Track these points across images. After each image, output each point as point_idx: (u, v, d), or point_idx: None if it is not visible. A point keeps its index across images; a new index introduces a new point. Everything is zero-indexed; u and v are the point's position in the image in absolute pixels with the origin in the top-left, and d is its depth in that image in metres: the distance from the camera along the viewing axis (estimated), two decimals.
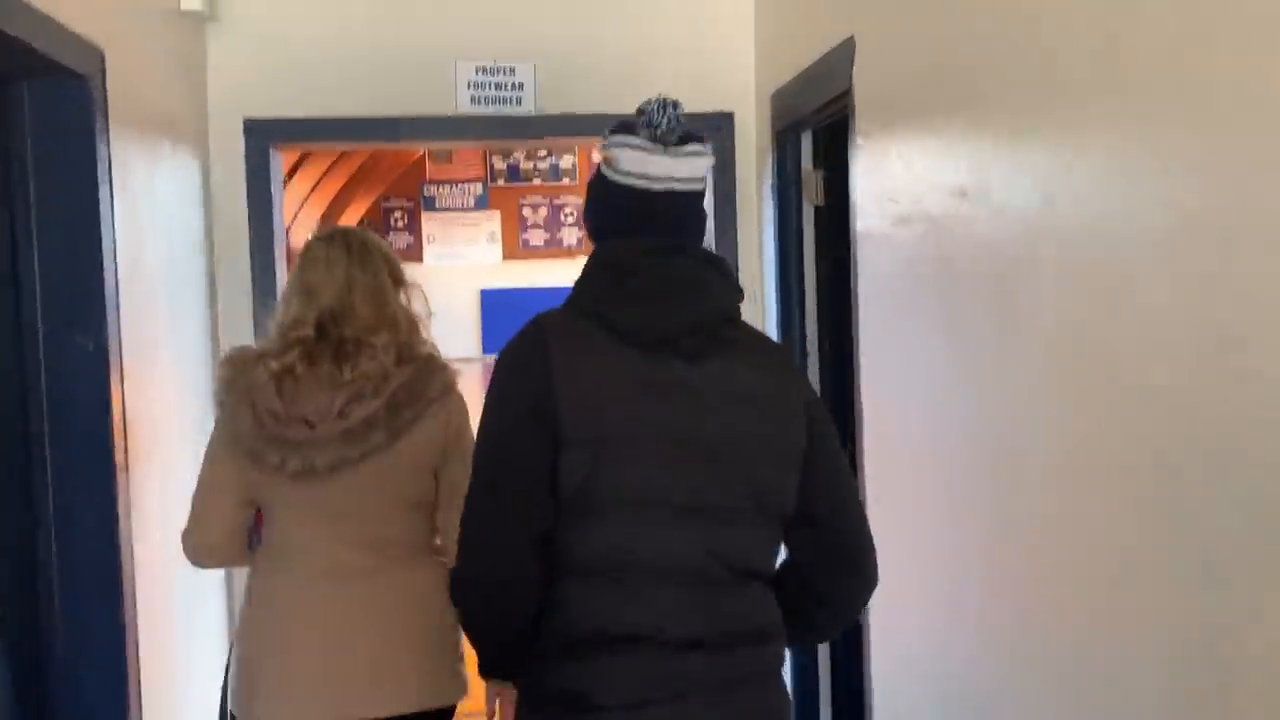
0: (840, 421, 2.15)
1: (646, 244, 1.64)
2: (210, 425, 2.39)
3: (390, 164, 28.52)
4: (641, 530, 1.57)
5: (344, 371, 2.20)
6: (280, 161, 4.18)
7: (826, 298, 3.65)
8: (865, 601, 1.78)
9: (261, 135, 3.93)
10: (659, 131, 1.63)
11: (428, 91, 3.98)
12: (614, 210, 1.68)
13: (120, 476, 2.63)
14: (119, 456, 2.62)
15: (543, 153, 33.31)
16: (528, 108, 3.98)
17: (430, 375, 2.27)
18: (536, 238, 35.80)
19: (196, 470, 2.34)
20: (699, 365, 1.61)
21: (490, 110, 4.00)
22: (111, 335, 2.64)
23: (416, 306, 2.41)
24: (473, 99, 3.97)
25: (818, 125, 3.54)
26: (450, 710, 2.31)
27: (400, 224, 33.84)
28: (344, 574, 2.21)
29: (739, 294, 1.70)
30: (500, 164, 33.78)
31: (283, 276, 3.94)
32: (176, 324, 3.41)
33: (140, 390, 2.86)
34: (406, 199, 33.93)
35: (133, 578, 2.68)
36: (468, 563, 1.62)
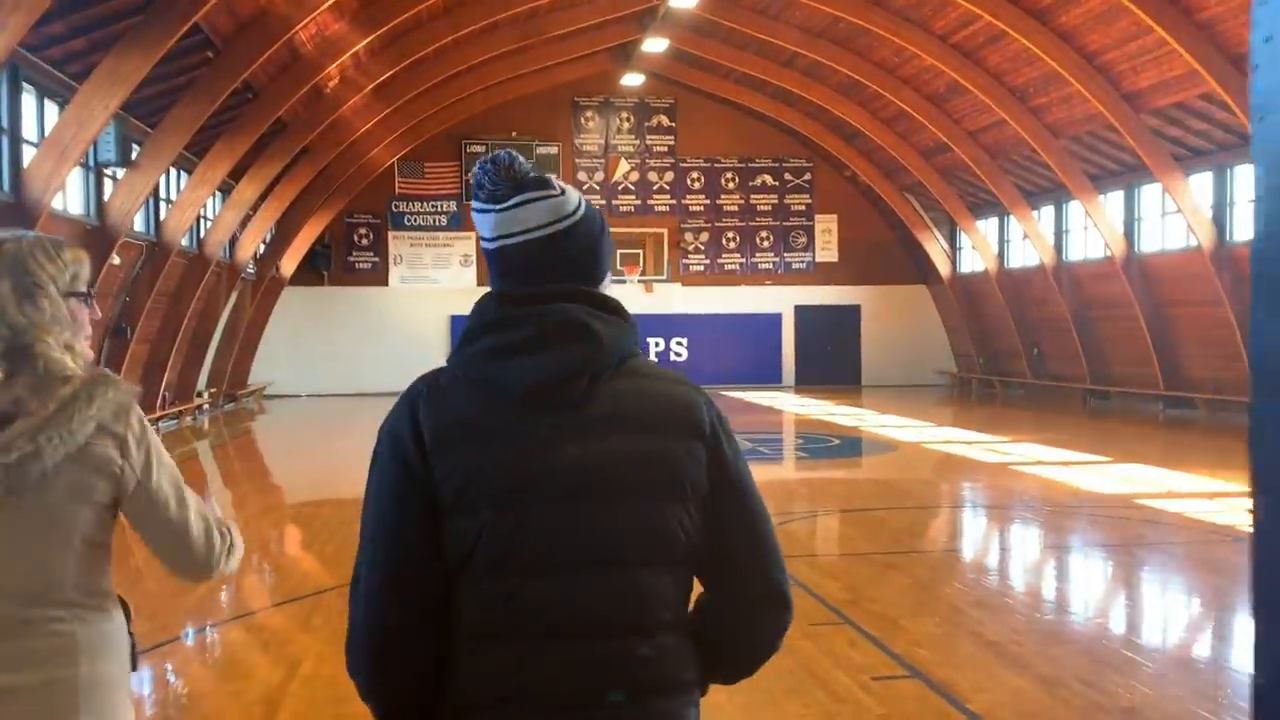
0: None
1: (518, 294, 1.63)
2: None
3: (356, 173, 26.99)
4: (533, 586, 1.53)
5: None
6: None
7: None
8: (783, 634, 1.69)
9: None
10: (492, 191, 1.65)
11: None
12: (494, 269, 1.70)
13: None
14: None
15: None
16: None
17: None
18: None
19: None
20: (576, 410, 1.58)
21: None
22: None
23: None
24: None
25: None
26: None
27: (364, 241, 32.61)
28: None
29: (624, 332, 1.64)
30: None
31: None
32: None
33: None
34: (373, 215, 32.66)
35: None
36: (358, 624, 1.60)
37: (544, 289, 1.62)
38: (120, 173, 14.30)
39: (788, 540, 8.95)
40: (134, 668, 2.08)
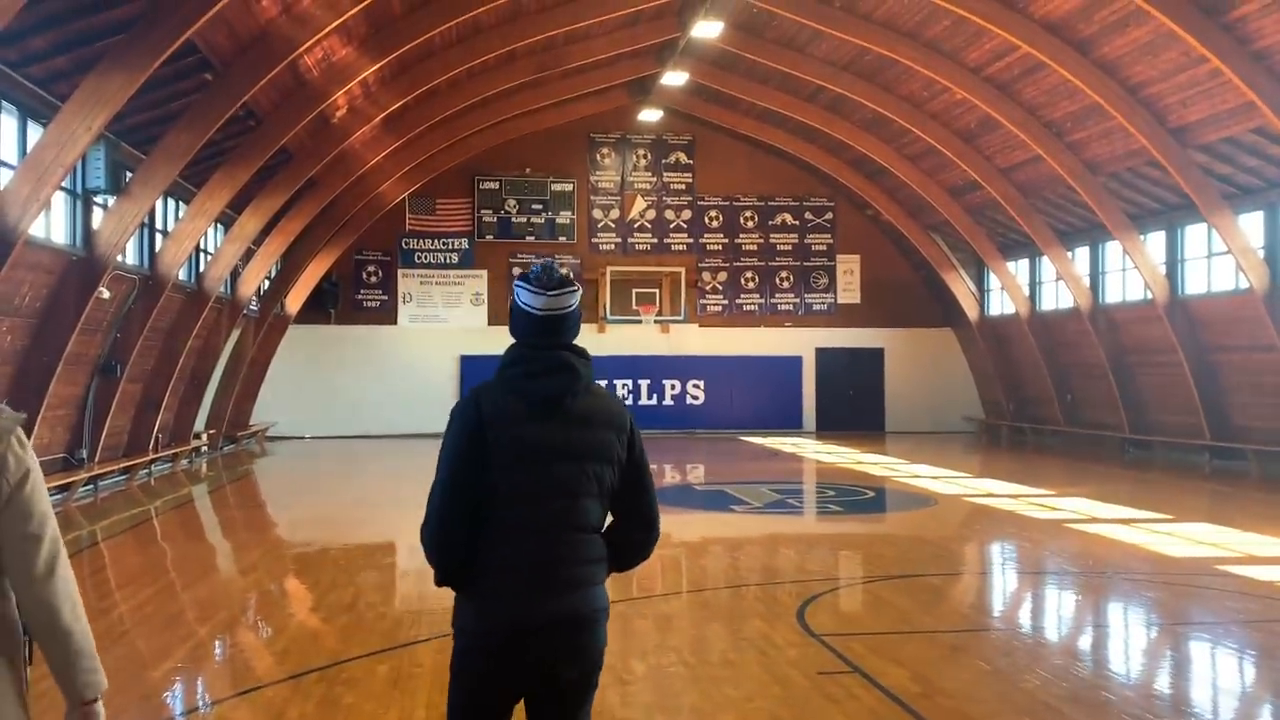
0: None
1: (540, 342, 2.92)
2: None
3: (365, 208, 25.96)
4: (521, 508, 2.83)
5: None
6: None
7: None
8: (653, 547, 3.05)
9: None
10: (541, 283, 2.92)
11: None
12: (520, 325, 2.96)
13: None
14: None
15: (537, 206, 31.19)
16: None
17: None
18: None
19: None
20: (564, 411, 2.87)
21: None
22: None
23: None
24: None
25: None
26: None
27: (374, 279, 31.63)
28: None
29: (589, 370, 2.94)
30: (490, 216, 31.61)
31: None
32: None
33: None
34: (383, 252, 31.67)
35: None
36: (429, 522, 2.85)
37: (549, 342, 2.91)
38: (110, 201, 13.48)
39: (838, 614, 7.91)
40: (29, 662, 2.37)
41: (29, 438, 2.38)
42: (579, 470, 2.84)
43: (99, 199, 13.73)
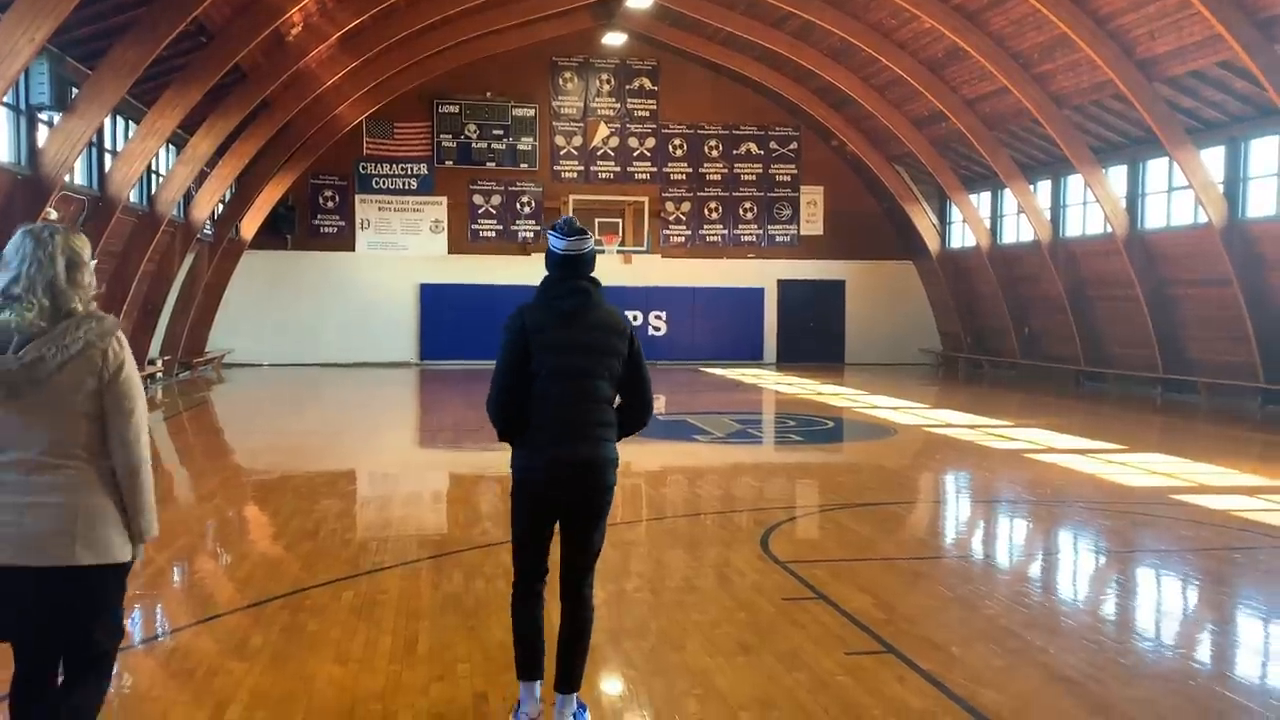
0: None
1: (564, 274, 4.15)
2: None
3: (321, 131, 25.26)
4: (556, 384, 4.05)
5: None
6: None
7: None
8: (647, 418, 4.33)
9: None
10: (563, 231, 4.17)
11: None
12: (551, 261, 4.19)
13: None
14: None
15: (498, 131, 30.58)
16: None
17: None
18: (488, 229, 33.37)
19: None
20: (581, 320, 4.10)
21: None
22: None
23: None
24: None
25: None
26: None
27: (330, 204, 30.96)
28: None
29: (600, 292, 4.17)
30: (450, 141, 31.03)
31: None
32: None
33: None
34: (339, 177, 30.97)
35: None
36: (492, 397, 4.13)
37: (570, 273, 4.14)
38: (56, 118, 13.00)
39: (800, 542, 7.97)
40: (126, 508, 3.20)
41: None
42: (592, 360, 4.09)
43: (44, 115, 13.24)
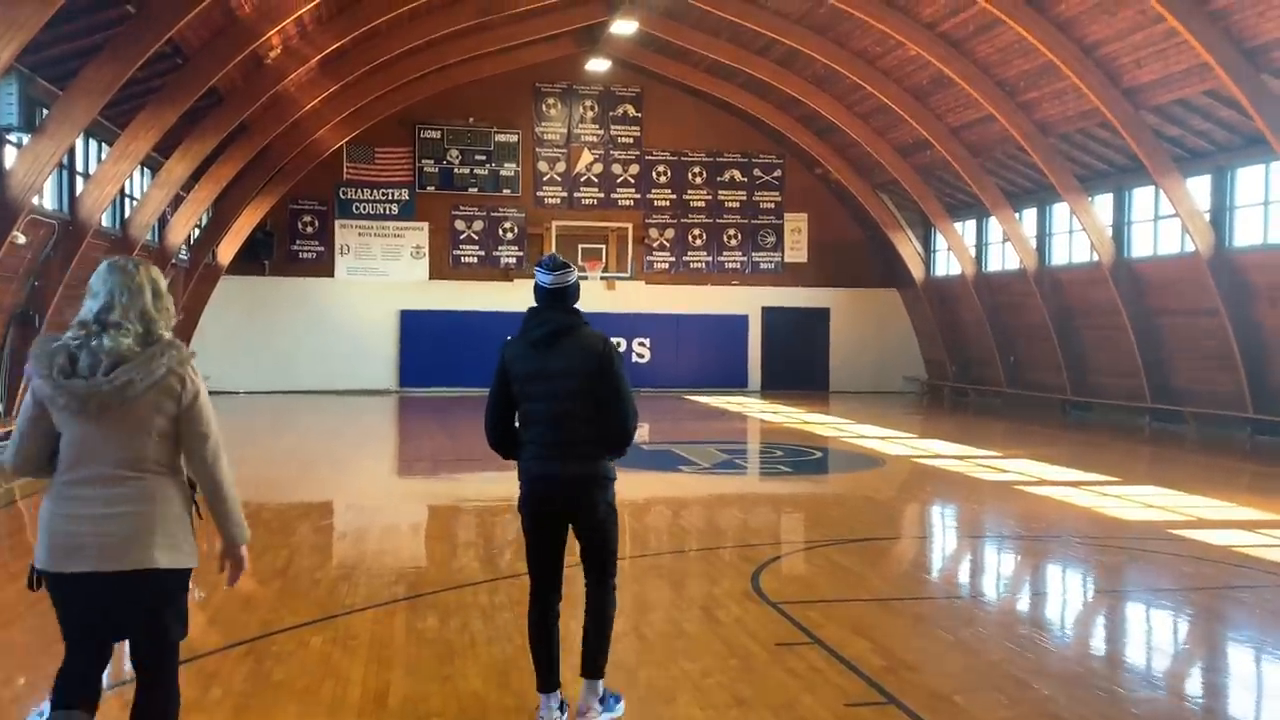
0: None
1: (546, 305, 4.53)
2: None
3: (300, 156, 24.88)
4: (537, 407, 4.47)
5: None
6: None
7: None
8: (628, 439, 4.50)
9: None
10: (547, 267, 4.55)
11: None
12: (536, 294, 4.55)
13: None
14: None
15: (481, 157, 30.34)
16: None
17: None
18: (470, 254, 33.00)
19: None
20: (556, 347, 4.43)
21: None
22: None
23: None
24: None
25: None
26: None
27: (309, 230, 30.57)
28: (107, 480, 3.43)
29: (578, 320, 4.51)
30: (431, 167, 30.76)
31: None
32: None
33: None
34: (319, 201, 30.59)
35: None
36: (485, 423, 4.63)
37: (550, 304, 4.52)
38: (25, 139, 12.66)
39: (790, 579, 7.66)
40: (197, 514, 3.61)
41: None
42: (566, 383, 4.40)
43: (12, 137, 12.90)
